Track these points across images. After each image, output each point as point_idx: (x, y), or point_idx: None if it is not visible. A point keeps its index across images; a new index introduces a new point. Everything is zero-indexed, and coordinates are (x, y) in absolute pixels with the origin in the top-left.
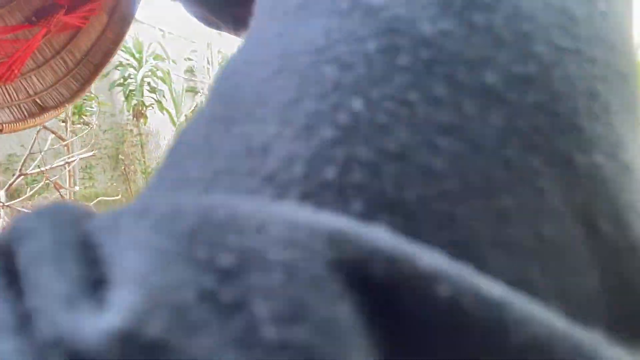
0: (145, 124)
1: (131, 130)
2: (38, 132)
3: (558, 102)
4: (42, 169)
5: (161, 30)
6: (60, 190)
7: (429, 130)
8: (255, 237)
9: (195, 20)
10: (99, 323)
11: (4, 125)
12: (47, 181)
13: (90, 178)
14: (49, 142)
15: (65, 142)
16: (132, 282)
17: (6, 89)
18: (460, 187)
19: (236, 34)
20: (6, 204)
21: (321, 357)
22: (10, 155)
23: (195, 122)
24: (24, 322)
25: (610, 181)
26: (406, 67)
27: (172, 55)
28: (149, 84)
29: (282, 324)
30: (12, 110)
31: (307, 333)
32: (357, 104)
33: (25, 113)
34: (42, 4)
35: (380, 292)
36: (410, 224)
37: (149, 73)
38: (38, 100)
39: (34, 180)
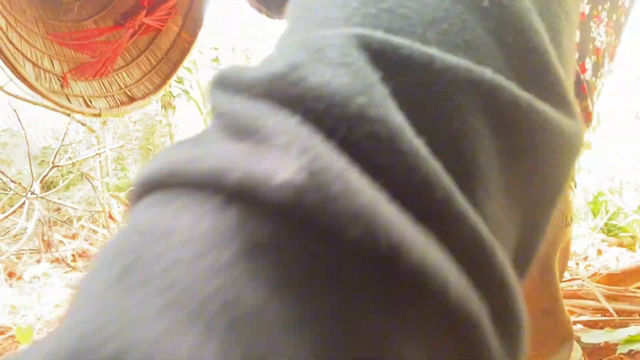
0: (173, 114)
1: (160, 121)
2: (69, 124)
3: None
4: (73, 160)
5: None
6: (93, 181)
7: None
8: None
9: (216, 10)
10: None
11: (101, 110)
12: (80, 172)
13: (122, 169)
14: (80, 134)
15: (95, 134)
16: None
17: (102, 82)
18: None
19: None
20: (40, 195)
21: None
22: (45, 147)
23: None
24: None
25: None
26: None
27: (198, 45)
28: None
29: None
30: (107, 100)
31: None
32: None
33: (118, 102)
34: (127, 9)
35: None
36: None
37: None
38: (128, 92)
39: (69, 172)
